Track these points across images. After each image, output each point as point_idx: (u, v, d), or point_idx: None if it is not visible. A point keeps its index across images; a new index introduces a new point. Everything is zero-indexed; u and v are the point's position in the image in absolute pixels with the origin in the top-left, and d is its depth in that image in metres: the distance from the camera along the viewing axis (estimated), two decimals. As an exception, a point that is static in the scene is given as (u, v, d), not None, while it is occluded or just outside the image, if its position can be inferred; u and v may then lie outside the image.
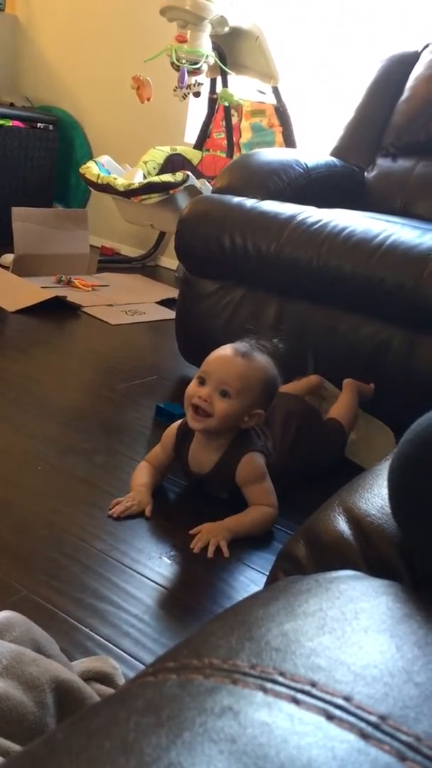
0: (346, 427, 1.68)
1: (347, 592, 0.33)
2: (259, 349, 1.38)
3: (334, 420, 1.70)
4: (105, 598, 1.13)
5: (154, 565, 1.24)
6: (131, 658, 1.01)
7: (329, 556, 0.48)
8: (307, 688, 0.25)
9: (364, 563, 0.46)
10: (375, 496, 0.49)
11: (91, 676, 0.86)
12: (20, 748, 0.61)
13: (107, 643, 1.03)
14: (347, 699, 0.25)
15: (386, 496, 0.48)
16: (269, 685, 0.26)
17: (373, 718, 0.24)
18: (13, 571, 1.15)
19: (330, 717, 0.24)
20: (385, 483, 0.50)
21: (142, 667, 1.00)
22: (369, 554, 0.46)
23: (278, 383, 1.41)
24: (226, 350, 1.36)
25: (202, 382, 1.34)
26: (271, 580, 0.53)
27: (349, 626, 0.29)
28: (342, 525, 0.48)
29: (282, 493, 1.42)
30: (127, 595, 1.15)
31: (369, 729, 0.24)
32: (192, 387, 1.35)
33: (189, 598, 1.18)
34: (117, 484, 1.46)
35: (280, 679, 0.26)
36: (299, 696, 0.25)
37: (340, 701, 0.25)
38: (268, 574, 0.55)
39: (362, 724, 0.24)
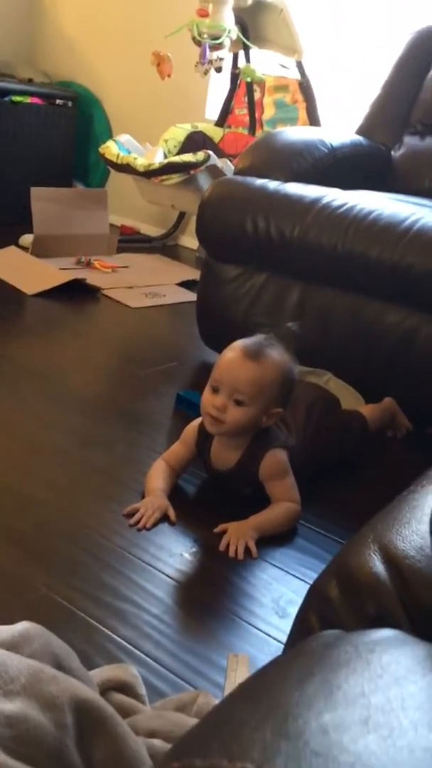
0: (369, 420, 1.65)
1: (390, 668, 0.30)
2: (271, 343, 1.32)
3: (356, 411, 1.67)
4: (125, 597, 1.11)
5: (175, 562, 1.22)
6: (152, 661, 1.00)
7: (364, 600, 0.45)
8: (353, 807, 0.23)
9: (402, 610, 0.43)
10: (413, 533, 0.46)
11: (111, 686, 0.84)
12: (38, 774, 0.59)
13: (127, 645, 1.01)
14: None
15: (426, 534, 0.45)
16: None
17: None
18: (32, 568, 1.14)
19: None
20: (424, 517, 0.47)
21: (162, 670, 0.98)
22: (408, 601, 0.43)
23: (295, 376, 1.36)
24: (235, 352, 1.30)
25: (215, 389, 1.30)
26: (301, 620, 0.50)
27: (396, 720, 0.26)
28: (378, 565, 0.45)
29: (302, 487, 1.39)
30: (147, 594, 1.13)
31: None
32: (206, 396, 1.31)
33: (210, 596, 1.16)
34: (137, 477, 1.44)
35: (322, 793, 0.23)
36: None
37: None
38: (297, 613, 0.52)
39: None
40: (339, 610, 0.46)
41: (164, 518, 1.32)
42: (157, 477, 1.39)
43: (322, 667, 0.31)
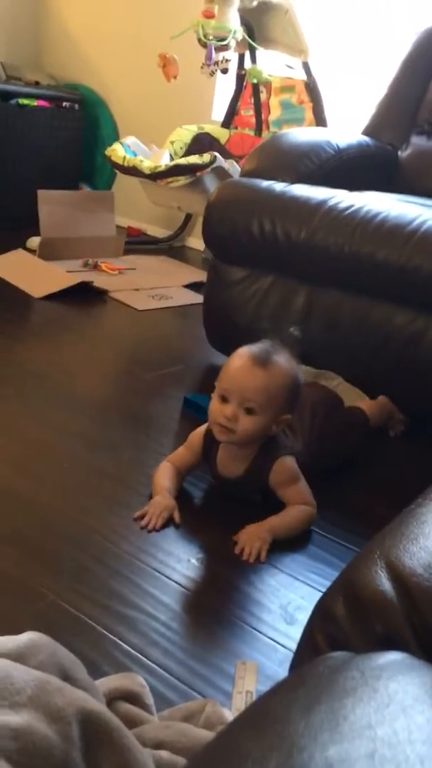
0: (369, 416, 1.65)
1: (398, 697, 0.29)
2: (277, 349, 1.30)
3: (357, 408, 1.67)
4: (133, 604, 1.11)
5: (183, 568, 1.21)
6: (160, 669, 0.99)
7: (371, 619, 0.44)
8: None
9: (410, 630, 0.42)
10: (421, 550, 0.45)
11: (118, 695, 0.84)
12: (45, 788, 0.59)
13: (135, 653, 1.01)
14: None
15: (434, 551, 0.44)
16: None
17: None
18: (39, 574, 1.14)
19: None
20: (432, 533, 0.46)
21: (170, 678, 0.98)
22: (415, 620, 0.43)
23: (301, 381, 1.36)
24: (243, 359, 1.28)
25: (224, 398, 1.29)
26: (308, 637, 0.49)
27: (403, 754, 0.26)
28: (384, 583, 0.44)
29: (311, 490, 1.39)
30: (155, 600, 1.13)
31: None
32: (215, 405, 1.30)
33: (218, 603, 1.15)
34: (145, 481, 1.43)
35: None
36: None
37: None
38: (303, 631, 0.51)
39: None
40: (346, 629, 0.45)
41: (170, 521, 1.32)
42: (164, 477, 1.39)
43: (328, 695, 0.30)
